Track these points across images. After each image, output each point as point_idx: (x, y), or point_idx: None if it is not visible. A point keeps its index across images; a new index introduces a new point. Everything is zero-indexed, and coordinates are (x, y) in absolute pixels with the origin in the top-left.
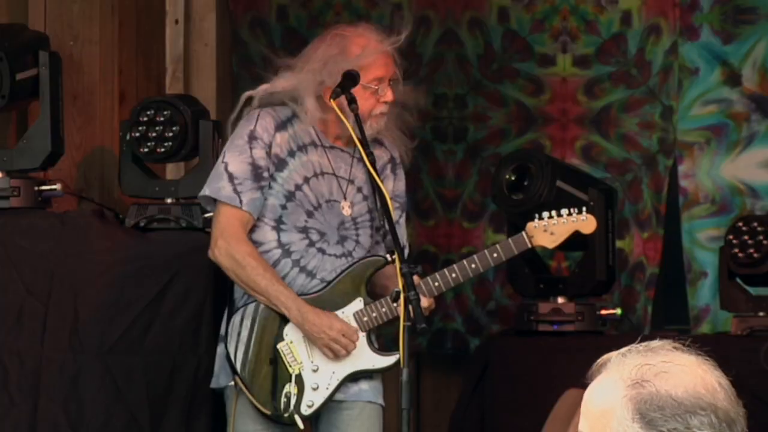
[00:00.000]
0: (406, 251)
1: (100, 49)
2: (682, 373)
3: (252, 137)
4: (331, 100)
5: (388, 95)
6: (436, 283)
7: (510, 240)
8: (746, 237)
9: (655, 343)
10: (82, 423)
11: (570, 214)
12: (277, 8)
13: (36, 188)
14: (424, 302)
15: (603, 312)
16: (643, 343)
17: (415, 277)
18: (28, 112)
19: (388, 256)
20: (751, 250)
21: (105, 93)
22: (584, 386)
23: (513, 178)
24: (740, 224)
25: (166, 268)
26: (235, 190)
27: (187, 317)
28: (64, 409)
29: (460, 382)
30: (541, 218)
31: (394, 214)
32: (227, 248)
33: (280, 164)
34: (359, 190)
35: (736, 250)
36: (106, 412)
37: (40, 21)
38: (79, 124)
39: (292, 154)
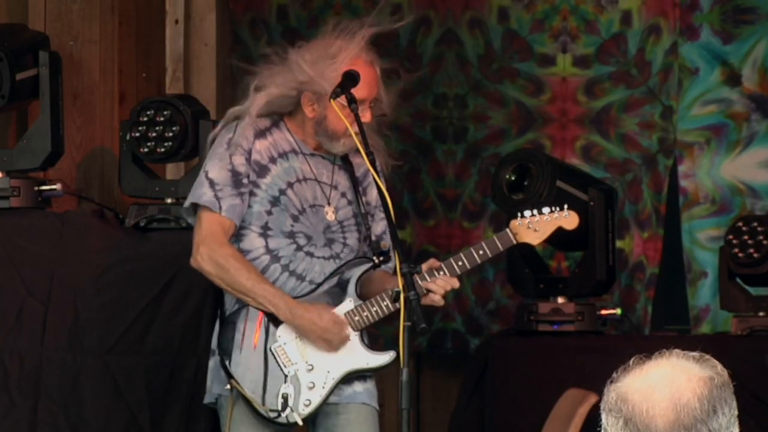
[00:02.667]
0: (391, 262)
1: (100, 49)
2: None
3: (231, 144)
4: (331, 101)
5: (366, 117)
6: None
7: (495, 237)
8: (746, 237)
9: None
10: (82, 423)
11: (552, 211)
12: (277, 8)
13: (36, 188)
14: (455, 283)
15: (603, 312)
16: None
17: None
18: (28, 112)
19: (375, 258)
20: (751, 250)
21: (105, 93)
22: (584, 386)
23: (513, 178)
24: (740, 224)
25: (166, 268)
26: (215, 196)
27: (187, 317)
28: (64, 409)
29: (460, 382)
30: (523, 216)
31: (381, 225)
32: (209, 253)
33: (262, 171)
34: (343, 195)
35: (736, 250)
36: (106, 412)
37: (40, 21)
38: (79, 124)
39: (273, 160)
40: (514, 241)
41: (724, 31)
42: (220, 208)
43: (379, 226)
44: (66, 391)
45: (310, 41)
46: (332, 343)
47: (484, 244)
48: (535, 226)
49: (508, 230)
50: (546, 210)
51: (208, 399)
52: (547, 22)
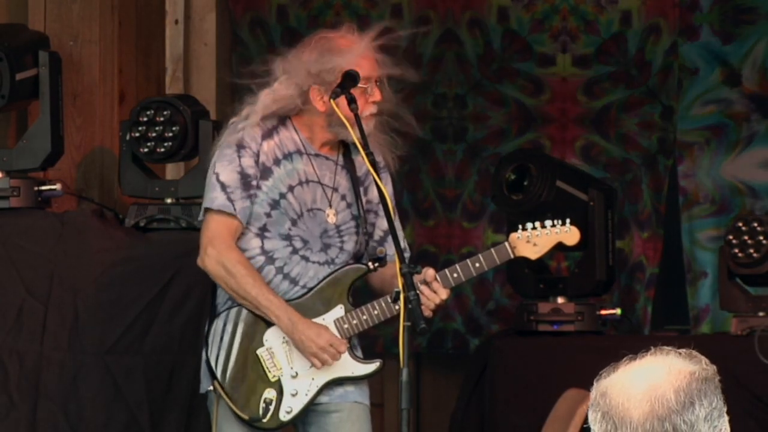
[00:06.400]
0: (407, 254)
1: (100, 49)
2: None
3: (240, 146)
4: (331, 100)
5: (376, 95)
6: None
7: (493, 250)
8: (746, 237)
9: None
10: (82, 423)
11: (554, 225)
12: (277, 8)
13: (36, 188)
14: (444, 295)
15: (603, 312)
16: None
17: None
18: (28, 112)
19: (370, 264)
20: (751, 250)
21: (105, 93)
22: (584, 386)
23: (513, 178)
24: (740, 224)
25: (166, 268)
26: (228, 198)
27: (187, 317)
28: (64, 409)
29: (460, 382)
30: (524, 229)
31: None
32: (217, 256)
33: (266, 173)
34: (343, 197)
35: (736, 250)
36: (106, 412)
37: (40, 21)
38: (79, 124)
39: (277, 162)
40: (512, 255)
41: (724, 31)
42: (235, 209)
43: (385, 223)
44: (65, 391)
45: (310, 37)
46: (324, 363)
47: (481, 257)
48: (534, 241)
49: (506, 243)
50: (548, 223)
51: (202, 390)
52: (546, 22)
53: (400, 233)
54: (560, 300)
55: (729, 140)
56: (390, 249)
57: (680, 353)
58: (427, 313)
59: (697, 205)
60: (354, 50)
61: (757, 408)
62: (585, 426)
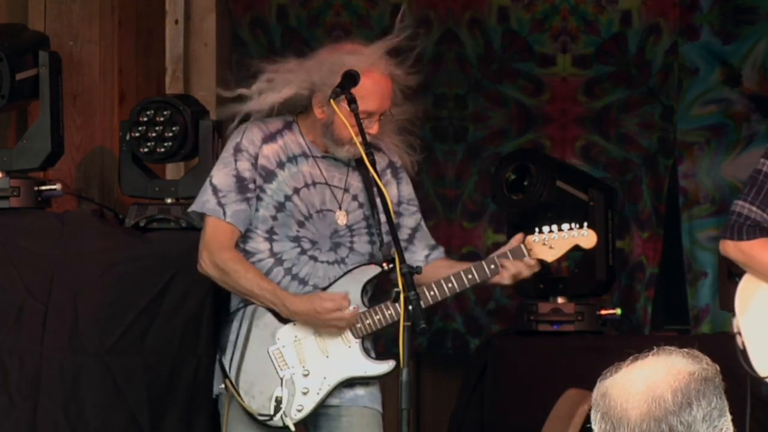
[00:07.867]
0: (440, 250)
1: (100, 49)
2: None
3: (237, 150)
4: (331, 101)
5: (374, 129)
6: (432, 292)
7: (508, 252)
8: None
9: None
10: (82, 423)
11: (571, 228)
12: (277, 8)
13: (36, 188)
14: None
15: (603, 312)
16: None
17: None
18: (28, 112)
19: (384, 264)
20: None
21: (105, 93)
22: (584, 386)
23: (513, 178)
24: None
25: (166, 268)
26: (219, 203)
27: (187, 317)
28: (64, 409)
29: (460, 382)
30: (541, 232)
31: (414, 219)
32: (210, 258)
33: (269, 176)
34: (354, 198)
35: None
36: (106, 412)
37: (40, 21)
38: (79, 124)
39: (281, 165)
40: (527, 257)
41: (724, 31)
42: (225, 214)
43: (411, 220)
44: (66, 391)
45: (327, 45)
46: (342, 320)
47: (495, 258)
48: (551, 243)
49: (522, 246)
50: (565, 227)
51: (214, 392)
52: (547, 22)
53: (425, 231)
54: (560, 300)
55: (729, 140)
56: (420, 250)
57: (683, 353)
58: (508, 281)
59: (697, 205)
60: (368, 76)
61: (756, 408)
62: (587, 426)
